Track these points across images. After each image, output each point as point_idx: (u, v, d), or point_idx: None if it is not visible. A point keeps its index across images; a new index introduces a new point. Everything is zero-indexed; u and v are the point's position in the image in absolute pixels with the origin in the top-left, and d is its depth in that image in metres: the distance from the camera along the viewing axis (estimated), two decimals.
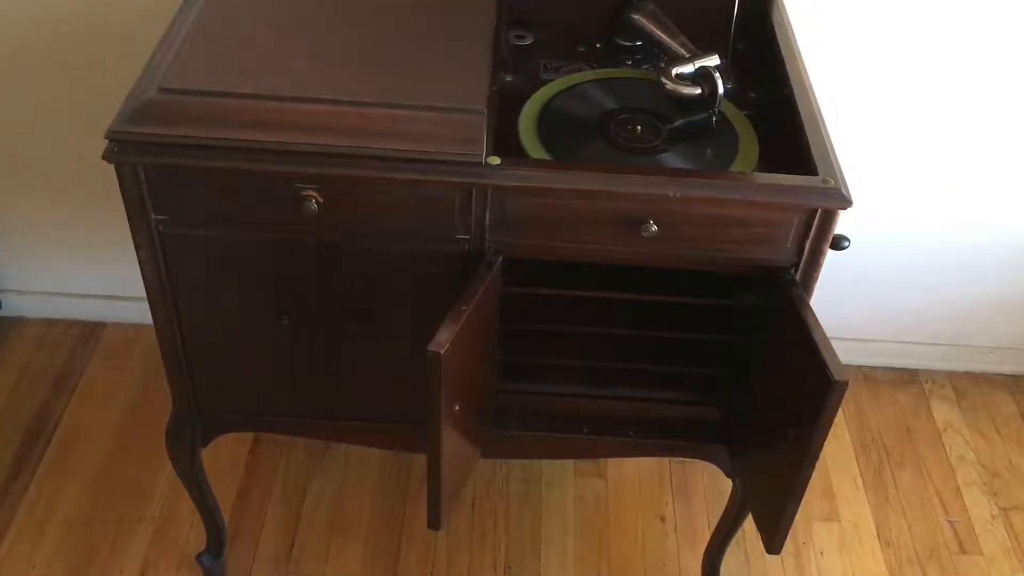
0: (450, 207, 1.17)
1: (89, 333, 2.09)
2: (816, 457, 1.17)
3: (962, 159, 1.82)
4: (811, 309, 1.18)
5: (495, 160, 1.15)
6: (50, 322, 2.10)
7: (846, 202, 1.15)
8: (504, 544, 1.77)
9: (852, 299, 2.03)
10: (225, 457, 1.85)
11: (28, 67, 1.75)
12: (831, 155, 1.19)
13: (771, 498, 1.28)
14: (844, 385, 1.10)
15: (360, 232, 1.20)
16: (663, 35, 1.38)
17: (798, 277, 1.23)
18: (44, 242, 2.03)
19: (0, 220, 1.99)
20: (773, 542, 1.29)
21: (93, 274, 2.06)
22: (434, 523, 1.28)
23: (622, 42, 1.46)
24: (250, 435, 1.90)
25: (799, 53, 1.38)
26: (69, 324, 2.10)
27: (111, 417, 1.93)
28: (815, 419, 1.13)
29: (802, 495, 1.22)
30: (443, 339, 1.10)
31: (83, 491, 1.80)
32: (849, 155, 1.74)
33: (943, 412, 2.06)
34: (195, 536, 1.73)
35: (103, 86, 1.62)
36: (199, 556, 1.67)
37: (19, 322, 2.10)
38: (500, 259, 1.21)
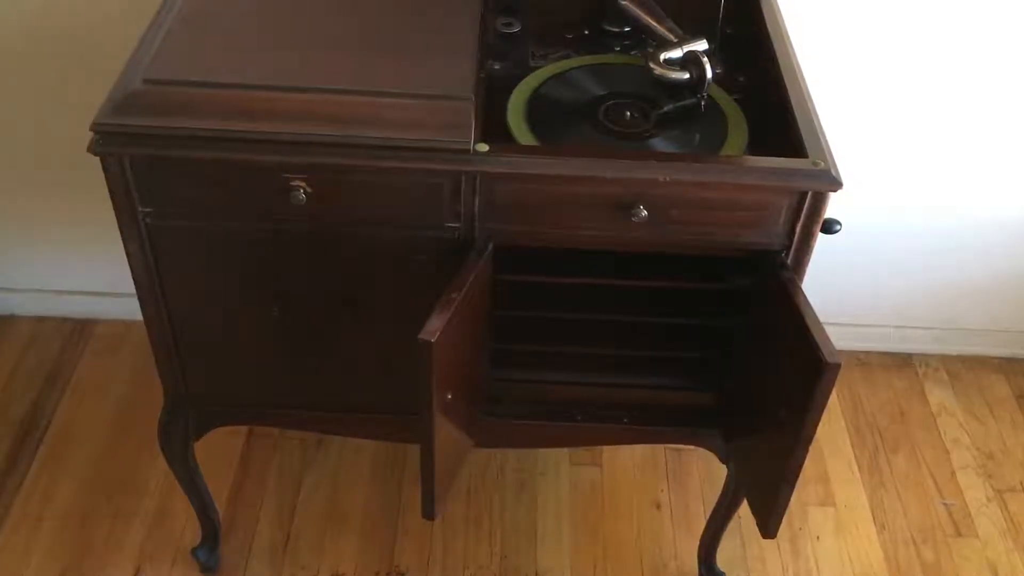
0: (439, 195, 1.17)
1: (80, 329, 2.08)
2: (809, 440, 1.17)
3: (954, 141, 1.81)
4: (802, 292, 1.18)
5: (483, 147, 1.14)
6: (41, 319, 2.10)
7: (836, 184, 1.15)
8: (500, 533, 1.77)
9: (845, 284, 2.03)
10: (219, 450, 1.84)
11: (13, 63, 1.74)
12: (821, 137, 1.19)
13: (765, 482, 1.28)
14: (836, 367, 1.09)
15: (349, 221, 1.20)
16: (651, 20, 1.37)
17: (789, 260, 1.22)
18: (34, 239, 2.02)
19: None
20: (768, 526, 1.29)
21: (83, 271, 2.05)
22: (428, 513, 1.28)
23: (610, 28, 1.45)
24: (244, 428, 1.90)
25: (788, 36, 1.37)
26: (60, 321, 2.09)
27: (104, 413, 1.93)
28: (808, 401, 1.13)
29: (796, 478, 1.21)
30: (434, 327, 1.10)
31: (77, 487, 1.80)
32: (841, 138, 1.74)
33: (937, 395, 2.07)
34: (190, 530, 1.72)
35: (91, 80, 1.61)
36: (194, 550, 1.67)
37: (10, 319, 2.09)
38: (490, 246, 1.20)
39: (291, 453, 1.87)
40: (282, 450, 1.87)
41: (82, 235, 2.00)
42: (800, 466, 1.20)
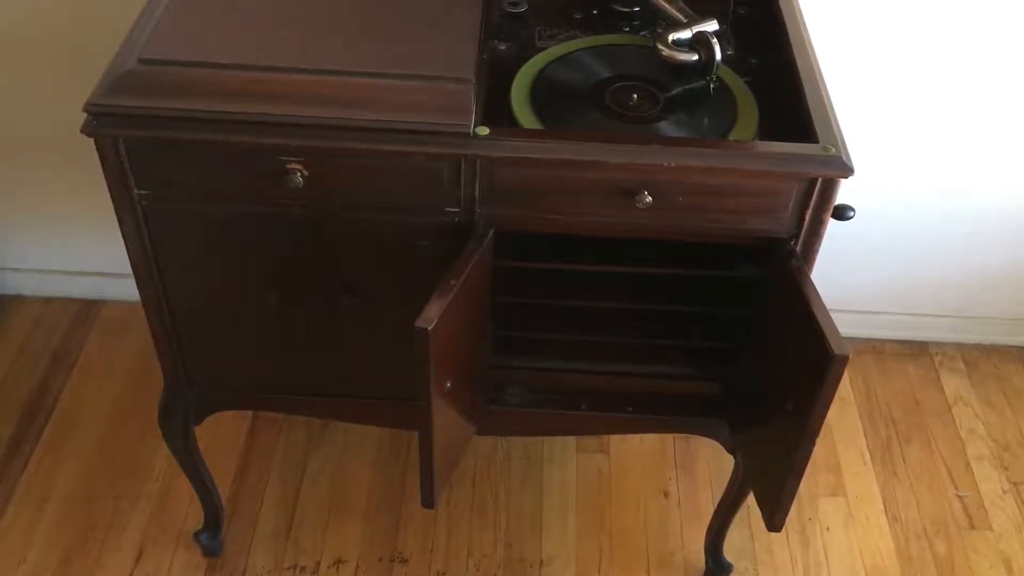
0: (438, 179, 1.14)
1: (87, 310, 2.07)
2: (816, 433, 1.14)
3: (971, 126, 1.77)
4: (811, 281, 1.15)
5: (483, 130, 1.11)
6: (48, 300, 2.09)
7: (847, 170, 1.11)
8: (504, 520, 1.75)
9: (860, 270, 2.00)
10: (225, 434, 1.84)
11: (19, 42, 1.72)
12: (832, 122, 1.16)
13: (771, 474, 1.25)
14: (844, 359, 1.06)
15: (347, 205, 1.17)
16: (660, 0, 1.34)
17: (798, 248, 1.19)
18: (42, 219, 2.01)
19: None
20: (774, 520, 1.26)
21: (91, 251, 2.04)
22: (427, 501, 1.26)
23: (619, 8, 1.42)
24: (250, 412, 1.88)
25: (801, 16, 1.34)
26: (67, 301, 2.09)
27: (109, 394, 1.92)
28: (815, 394, 1.10)
29: (803, 472, 1.19)
30: (431, 315, 1.07)
31: (81, 469, 1.79)
32: (857, 121, 1.71)
33: (953, 385, 2.03)
34: (193, 513, 1.71)
35: (98, 57, 1.59)
36: (197, 534, 1.66)
37: (17, 300, 2.09)
38: (491, 232, 1.18)
39: (296, 437, 1.86)
40: (287, 434, 1.86)
41: (90, 215, 1.98)
42: (807, 460, 1.17)
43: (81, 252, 2.04)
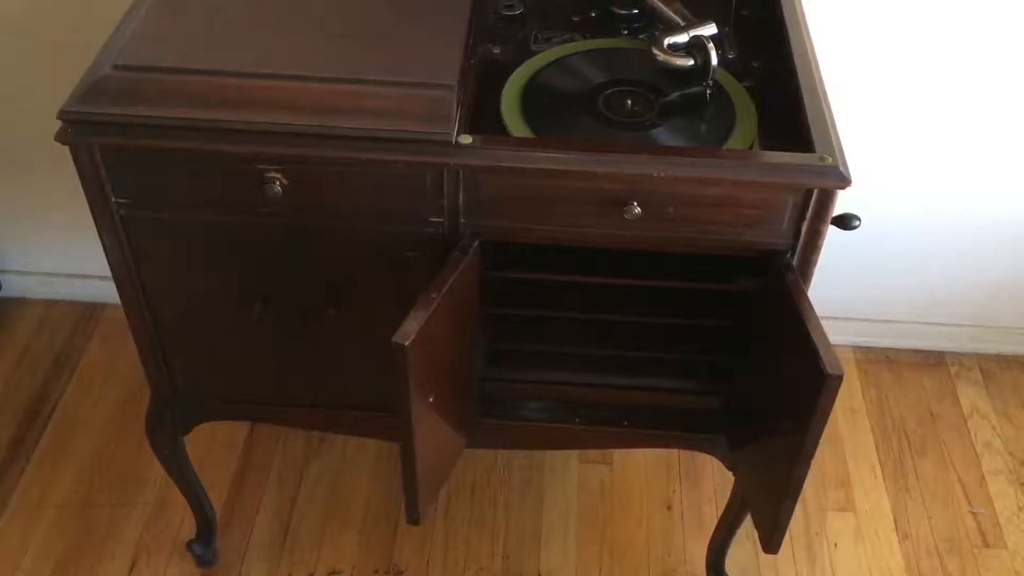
0: (421, 188, 1.11)
1: (90, 314, 2.06)
2: (811, 454, 1.09)
3: (986, 133, 1.71)
4: (806, 296, 1.10)
5: (466, 139, 1.08)
6: (50, 303, 2.08)
7: (844, 181, 1.07)
8: (504, 532, 1.72)
9: (875, 278, 1.94)
10: (221, 441, 1.81)
11: (18, 44, 1.71)
12: (831, 130, 1.11)
13: (768, 494, 1.21)
14: (838, 379, 1.02)
15: (329, 215, 1.14)
16: (657, 2, 1.30)
17: (795, 261, 1.15)
18: (45, 223, 2.00)
19: (0, 200, 1.96)
20: (770, 541, 1.22)
21: (94, 255, 1.98)
22: (412, 516, 1.23)
23: (618, 10, 1.38)
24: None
25: (804, 20, 1.29)
26: (70, 305, 2.08)
27: (110, 400, 1.91)
28: (809, 414, 1.05)
29: (798, 493, 1.14)
30: (409, 330, 1.04)
31: (79, 475, 1.78)
32: (871, 128, 1.66)
33: (969, 396, 1.97)
34: (189, 522, 1.68)
35: None
36: (190, 544, 1.64)
37: (20, 303, 2.08)
38: (476, 243, 1.14)
39: (294, 445, 1.83)
40: (285, 442, 1.84)
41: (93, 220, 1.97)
42: (802, 481, 1.13)
43: (84, 255, 2.03)
